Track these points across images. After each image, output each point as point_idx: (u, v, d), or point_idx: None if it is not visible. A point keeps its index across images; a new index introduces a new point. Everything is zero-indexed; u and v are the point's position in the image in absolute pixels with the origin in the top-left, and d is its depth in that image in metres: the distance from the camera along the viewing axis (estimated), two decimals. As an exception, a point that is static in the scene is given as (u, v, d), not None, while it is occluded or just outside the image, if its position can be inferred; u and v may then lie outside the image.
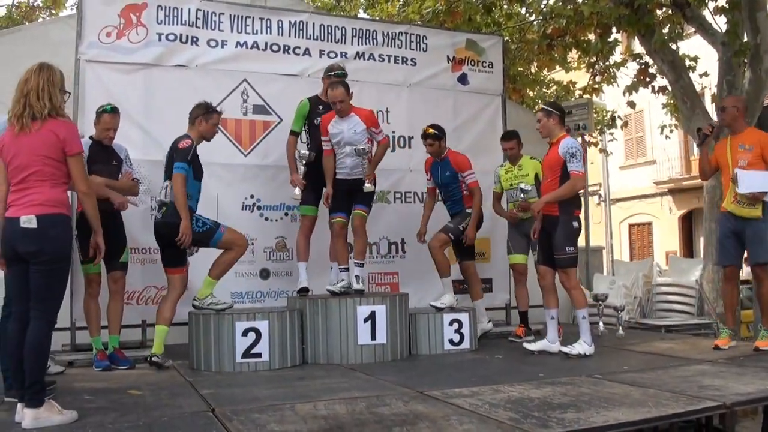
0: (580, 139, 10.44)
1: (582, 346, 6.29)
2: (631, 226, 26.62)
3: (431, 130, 7.26)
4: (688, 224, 24.35)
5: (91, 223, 4.54)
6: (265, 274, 7.52)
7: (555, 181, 6.36)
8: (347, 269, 6.79)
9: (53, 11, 16.10)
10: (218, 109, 6.39)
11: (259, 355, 6.00)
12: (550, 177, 6.44)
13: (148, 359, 6.07)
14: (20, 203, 4.14)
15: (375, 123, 6.86)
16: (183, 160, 5.92)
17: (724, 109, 6.73)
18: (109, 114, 6.16)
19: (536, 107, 11.65)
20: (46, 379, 4.25)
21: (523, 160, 7.61)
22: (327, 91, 6.81)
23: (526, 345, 6.62)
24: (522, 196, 7.27)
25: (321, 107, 6.98)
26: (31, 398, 4.05)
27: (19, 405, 4.12)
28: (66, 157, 4.23)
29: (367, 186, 6.74)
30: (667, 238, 24.58)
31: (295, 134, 7.09)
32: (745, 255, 6.57)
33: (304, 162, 6.85)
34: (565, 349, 6.33)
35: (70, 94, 4.77)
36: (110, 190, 6.03)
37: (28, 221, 4.08)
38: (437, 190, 7.55)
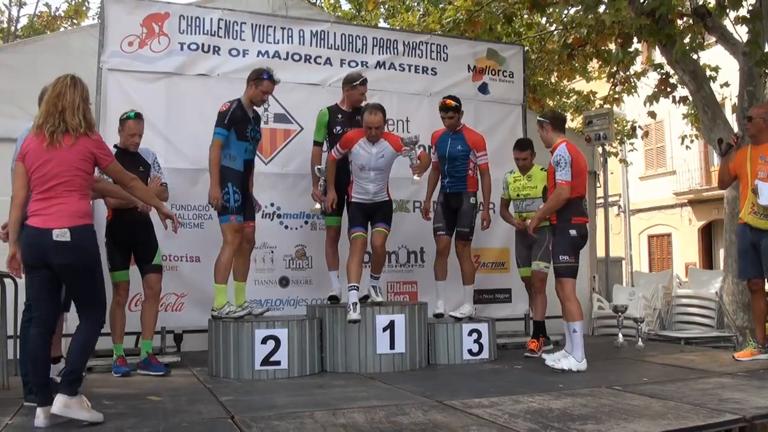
0: (601, 149, 10.44)
1: (570, 361, 6.06)
2: (650, 237, 26.46)
3: (452, 102, 6.92)
4: (707, 235, 24.17)
5: (150, 202, 5.12)
6: (284, 282, 7.52)
7: (552, 190, 6.35)
8: (357, 288, 6.41)
9: (75, 21, 16.31)
10: (275, 77, 6.34)
11: (278, 362, 6.01)
12: (549, 186, 6.47)
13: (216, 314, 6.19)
14: (48, 213, 4.16)
15: None
16: (219, 125, 6.08)
17: (750, 119, 6.59)
18: (133, 120, 6.20)
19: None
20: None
21: (533, 171, 7.37)
22: (357, 108, 6.86)
23: (548, 363, 6.18)
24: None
25: (340, 116, 6.99)
26: (68, 385, 4.12)
27: (38, 409, 4.16)
28: (102, 169, 4.47)
29: (416, 179, 6.63)
30: (686, 250, 24.41)
31: (318, 144, 7.06)
32: None
33: (322, 178, 6.81)
34: (548, 362, 6.15)
35: (91, 104, 4.81)
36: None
37: (62, 235, 4.12)
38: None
